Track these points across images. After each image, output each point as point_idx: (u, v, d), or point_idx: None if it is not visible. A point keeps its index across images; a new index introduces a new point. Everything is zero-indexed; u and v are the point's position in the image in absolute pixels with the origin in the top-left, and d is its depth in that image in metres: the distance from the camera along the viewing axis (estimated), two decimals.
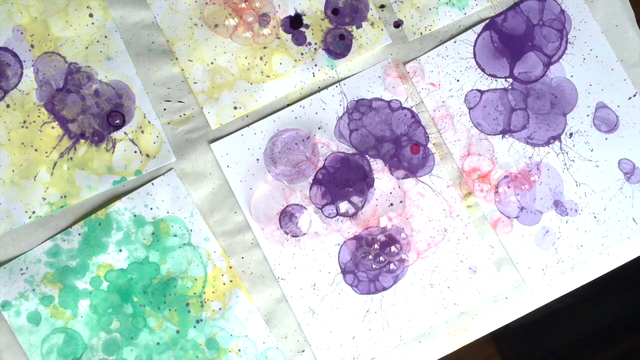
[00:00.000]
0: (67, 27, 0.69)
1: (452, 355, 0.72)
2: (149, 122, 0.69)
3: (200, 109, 0.70)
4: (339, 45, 0.71)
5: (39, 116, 0.68)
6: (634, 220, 0.72)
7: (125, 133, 0.69)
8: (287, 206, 0.69)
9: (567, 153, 0.72)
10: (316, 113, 0.70)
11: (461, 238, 0.70)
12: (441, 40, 0.72)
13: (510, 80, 0.72)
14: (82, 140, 0.69)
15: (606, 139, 0.72)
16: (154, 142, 0.69)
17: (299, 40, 0.71)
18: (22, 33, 0.69)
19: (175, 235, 0.68)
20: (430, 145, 0.71)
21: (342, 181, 0.70)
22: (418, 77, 0.72)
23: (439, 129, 0.71)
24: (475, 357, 1.23)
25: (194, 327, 0.68)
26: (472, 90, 0.72)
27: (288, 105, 0.71)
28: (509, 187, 0.71)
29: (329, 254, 0.70)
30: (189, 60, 0.70)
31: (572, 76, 0.72)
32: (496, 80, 0.72)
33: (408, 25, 0.72)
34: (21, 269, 0.67)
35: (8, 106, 0.68)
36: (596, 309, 1.18)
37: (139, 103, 0.69)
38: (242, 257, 0.69)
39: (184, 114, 0.70)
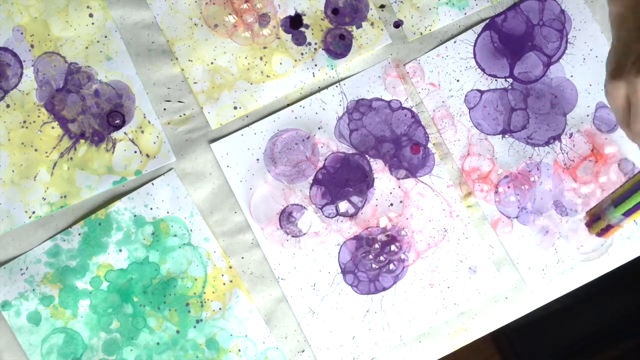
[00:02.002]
0: (67, 27, 0.69)
1: (452, 355, 0.72)
2: (149, 122, 0.69)
3: (200, 109, 0.70)
4: (339, 45, 0.71)
5: (39, 116, 0.68)
6: (634, 221, 0.72)
7: (125, 133, 0.69)
8: (287, 206, 0.69)
9: (567, 153, 0.72)
10: (316, 113, 0.70)
11: (461, 238, 0.70)
12: (441, 40, 0.72)
13: (510, 80, 0.72)
14: (82, 140, 0.69)
15: (606, 139, 0.72)
16: (154, 142, 0.69)
17: (299, 40, 0.71)
18: (22, 33, 0.69)
19: (175, 235, 0.68)
20: (430, 145, 0.71)
21: (342, 181, 0.70)
22: (418, 77, 0.72)
23: (439, 129, 0.71)
24: (475, 357, 1.23)
25: (194, 327, 0.68)
26: (472, 90, 0.72)
27: (288, 105, 0.71)
28: (509, 187, 0.71)
29: (329, 254, 0.70)
30: (189, 60, 0.70)
31: (572, 76, 0.72)
32: (496, 80, 0.72)
33: (408, 25, 0.72)
34: (21, 269, 0.67)
35: (8, 106, 0.68)
36: (596, 309, 1.18)
37: (139, 103, 0.69)
38: (242, 257, 0.69)
39: (184, 114, 0.70)
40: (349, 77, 0.71)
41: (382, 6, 0.72)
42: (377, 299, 0.70)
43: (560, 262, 0.71)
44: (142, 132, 0.69)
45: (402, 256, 0.70)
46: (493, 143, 0.72)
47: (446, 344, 0.70)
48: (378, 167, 0.70)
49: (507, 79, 0.72)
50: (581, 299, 1.14)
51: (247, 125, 0.70)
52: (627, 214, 0.56)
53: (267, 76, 0.70)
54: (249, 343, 0.69)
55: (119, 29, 0.70)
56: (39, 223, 0.68)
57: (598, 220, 0.59)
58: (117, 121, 0.68)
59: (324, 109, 0.70)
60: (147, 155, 0.69)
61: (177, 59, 0.70)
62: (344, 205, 0.69)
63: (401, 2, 0.72)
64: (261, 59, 0.70)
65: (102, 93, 0.69)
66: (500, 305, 0.71)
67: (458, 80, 0.72)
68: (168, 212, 0.68)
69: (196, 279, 0.68)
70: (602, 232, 0.60)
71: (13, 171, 0.68)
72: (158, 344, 0.68)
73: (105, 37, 0.69)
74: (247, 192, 0.69)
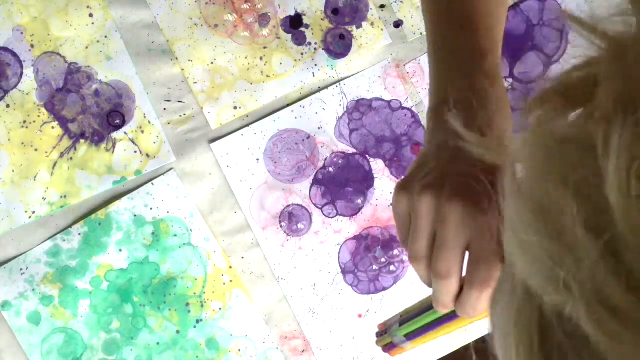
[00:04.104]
0: (67, 27, 0.69)
1: (452, 355, 0.72)
2: (149, 122, 0.69)
3: (200, 109, 0.70)
4: (339, 45, 0.71)
5: (39, 116, 0.68)
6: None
7: (125, 133, 0.69)
8: (287, 206, 0.69)
9: None
10: (316, 113, 0.70)
11: None
12: None
13: (510, 80, 0.72)
14: (82, 140, 0.69)
15: None
16: (154, 142, 0.69)
17: (299, 40, 0.71)
18: (22, 33, 0.69)
19: (175, 235, 0.68)
20: None
21: (342, 181, 0.70)
22: (418, 77, 0.71)
23: None
24: (475, 357, 1.23)
25: (194, 327, 0.68)
26: None
27: (288, 105, 0.71)
28: None
29: (329, 254, 0.70)
30: (189, 60, 0.70)
31: None
32: None
33: (408, 25, 0.72)
34: (21, 269, 0.67)
35: (8, 106, 0.68)
36: None
37: (139, 103, 0.69)
38: (242, 257, 0.69)
39: (184, 114, 0.70)
40: (349, 77, 0.71)
41: (382, 6, 0.72)
42: (377, 299, 0.70)
43: None
44: (142, 132, 0.69)
45: (402, 257, 0.70)
46: None
47: (446, 344, 0.70)
48: (378, 167, 0.70)
49: (507, 79, 0.72)
50: None
51: (247, 125, 0.70)
52: (410, 337, 0.46)
53: (267, 76, 0.70)
54: (249, 343, 0.69)
55: (119, 29, 0.70)
56: (39, 223, 0.68)
57: (385, 335, 0.49)
58: (117, 121, 0.68)
59: (324, 109, 0.70)
60: (147, 155, 0.69)
61: (177, 59, 0.70)
62: (344, 205, 0.69)
63: (401, 2, 0.72)
64: (261, 59, 0.70)
65: (102, 93, 0.69)
66: None
67: None
68: (168, 212, 0.68)
69: (196, 279, 0.68)
70: (386, 348, 0.49)
71: (13, 171, 0.68)
72: (158, 344, 0.68)
73: (105, 37, 0.69)
74: (247, 192, 0.69)
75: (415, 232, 0.40)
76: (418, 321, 0.46)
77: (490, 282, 0.38)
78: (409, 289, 0.70)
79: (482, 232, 0.38)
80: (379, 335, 0.50)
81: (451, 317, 0.43)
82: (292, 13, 0.71)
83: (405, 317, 0.47)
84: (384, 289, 0.70)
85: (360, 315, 0.70)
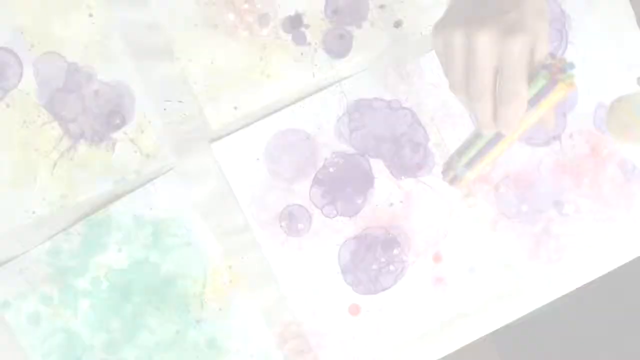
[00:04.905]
0: (67, 26, 0.69)
1: (452, 355, 0.72)
2: (149, 122, 0.69)
3: (200, 109, 0.70)
4: (339, 45, 0.71)
5: (39, 116, 0.68)
6: (635, 220, 0.72)
7: (125, 133, 0.69)
8: (287, 206, 0.69)
9: (567, 153, 0.72)
10: (316, 113, 0.70)
11: (461, 238, 0.70)
12: None
13: None
14: (82, 140, 0.69)
15: (606, 139, 0.72)
16: (154, 142, 0.69)
17: (299, 40, 0.71)
18: (22, 33, 0.69)
19: (175, 235, 0.68)
20: (430, 145, 0.71)
21: (342, 181, 0.70)
22: (418, 77, 0.72)
23: (439, 129, 0.71)
24: (475, 357, 1.23)
25: (194, 327, 0.68)
26: None
27: (288, 105, 0.71)
28: (508, 187, 0.71)
29: (329, 254, 0.70)
30: (189, 60, 0.70)
31: None
32: None
33: (408, 25, 0.72)
34: (21, 269, 0.67)
35: (8, 106, 0.68)
36: (596, 308, 1.18)
37: (139, 103, 0.69)
38: (242, 257, 0.69)
39: (184, 114, 0.70)
40: (349, 77, 0.71)
41: (382, 6, 0.72)
42: (377, 299, 0.70)
43: (560, 262, 0.71)
44: (142, 132, 0.69)
45: (403, 257, 0.70)
46: None
47: (446, 344, 0.70)
48: (378, 167, 0.70)
49: None
50: (581, 298, 1.14)
51: (247, 125, 0.70)
52: (468, 165, 0.54)
53: (267, 76, 0.70)
54: (249, 343, 0.69)
55: (118, 29, 0.70)
56: (39, 223, 0.68)
57: (448, 170, 0.57)
58: (117, 121, 0.68)
59: (324, 109, 0.70)
60: (147, 155, 0.69)
61: (177, 59, 0.70)
62: (344, 205, 0.69)
63: (401, 2, 0.72)
64: (261, 59, 0.70)
65: (102, 93, 0.69)
66: (500, 305, 0.71)
67: None
68: (168, 212, 0.68)
69: (196, 279, 0.68)
70: (452, 182, 0.57)
71: (13, 171, 0.68)
72: (158, 344, 0.68)
73: (105, 37, 0.69)
74: (247, 192, 0.69)
75: (451, 64, 0.46)
76: (472, 148, 0.53)
77: (518, 96, 0.44)
78: (408, 288, 0.70)
79: (508, 55, 0.43)
80: (444, 172, 0.58)
81: (497, 138, 0.50)
82: (292, 13, 0.71)
83: (461, 148, 0.54)
84: (384, 289, 0.70)
85: (360, 315, 0.70)
